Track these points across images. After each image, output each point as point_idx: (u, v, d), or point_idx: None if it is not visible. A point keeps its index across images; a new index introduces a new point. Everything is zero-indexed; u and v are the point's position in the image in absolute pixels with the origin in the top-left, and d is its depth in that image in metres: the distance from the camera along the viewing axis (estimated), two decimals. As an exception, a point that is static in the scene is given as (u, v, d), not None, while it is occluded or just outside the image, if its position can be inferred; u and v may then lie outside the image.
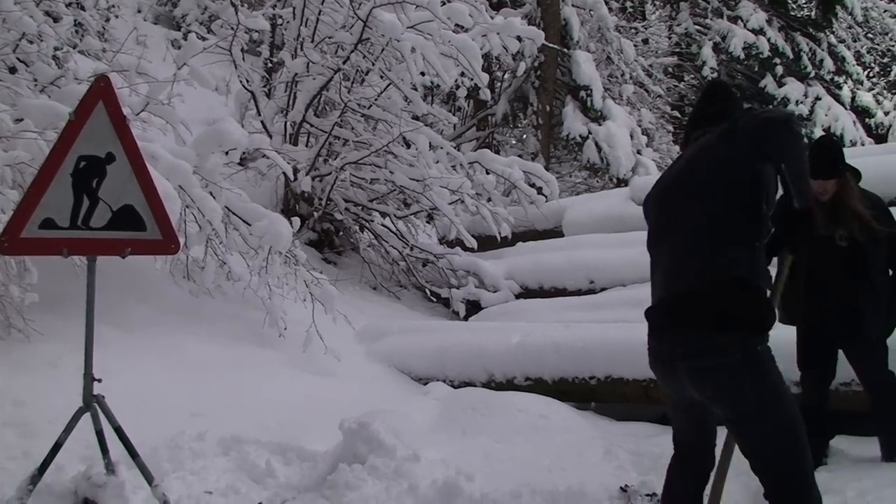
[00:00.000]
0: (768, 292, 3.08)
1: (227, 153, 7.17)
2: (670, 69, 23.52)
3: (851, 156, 7.79)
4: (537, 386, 7.11)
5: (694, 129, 3.36)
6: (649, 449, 5.33)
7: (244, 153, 8.64)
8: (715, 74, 22.70)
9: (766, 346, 2.95)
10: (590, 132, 17.07)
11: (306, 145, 10.28)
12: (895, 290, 4.81)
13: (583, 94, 17.28)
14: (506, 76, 19.05)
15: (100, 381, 4.14)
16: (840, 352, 5.00)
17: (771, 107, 3.64)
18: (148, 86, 6.29)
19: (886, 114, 26.73)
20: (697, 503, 3.36)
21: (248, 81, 9.96)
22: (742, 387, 2.89)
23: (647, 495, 4.54)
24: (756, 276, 2.93)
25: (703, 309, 2.94)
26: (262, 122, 10.08)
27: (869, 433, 5.03)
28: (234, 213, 7.00)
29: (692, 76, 23.77)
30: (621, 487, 4.77)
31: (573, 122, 17.26)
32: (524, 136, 19.97)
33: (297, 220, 7.80)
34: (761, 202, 3.00)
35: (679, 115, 24.85)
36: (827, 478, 4.38)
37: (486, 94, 10.77)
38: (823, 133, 21.08)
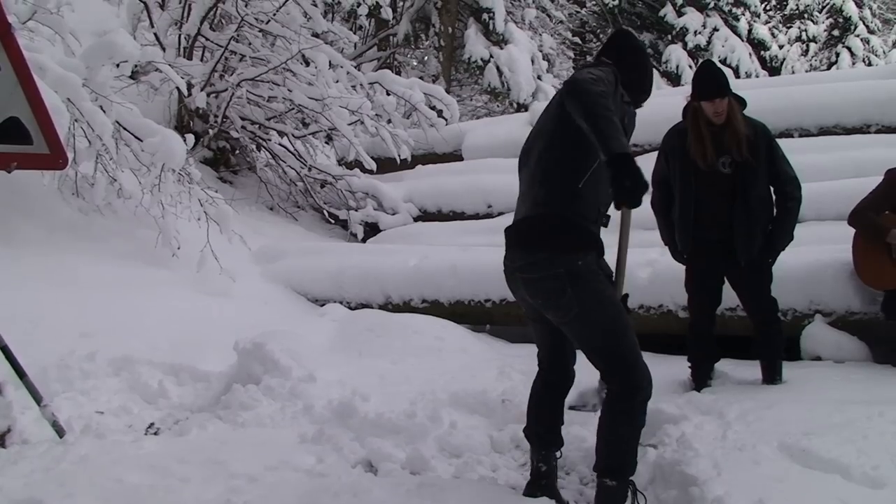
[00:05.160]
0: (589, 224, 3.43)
1: (118, 66, 6.93)
2: (573, -5, 23.54)
3: (746, 87, 7.99)
4: (434, 308, 7.19)
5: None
6: (541, 370, 5.44)
7: (136, 66, 8.37)
8: (616, 2, 22.84)
9: (587, 261, 3.34)
10: (491, 56, 17.04)
11: (201, 60, 9.98)
12: (777, 219, 4.97)
13: (485, 16, 17.18)
14: (408, -5, 18.79)
15: (-16, 299, 4.03)
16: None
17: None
18: (35, -7, 6.02)
19: (781, 47, 27.28)
20: (558, 411, 3.77)
21: (140, -9, 9.60)
22: (565, 294, 3.29)
23: None
24: (574, 212, 3.34)
25: (534, 232, 3.42)
26: (154, 34, 9.74)
27: (752, 357, 5.23)
28: (125, 129, 6.79)
29: (594, 3, 23.84)
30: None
31: (475, 45, 17.19)
32: (426, 57, 19.81)
33: (191, 138, 7.63)
34: (586, 154, 3.30)
35: (580, 42, 24.98)
36: (710, 399, 4.56)
37: (387, 14, 10.67)
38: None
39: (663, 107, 6.01)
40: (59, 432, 4.15)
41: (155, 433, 4.54)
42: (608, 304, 3.36)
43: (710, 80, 4.83)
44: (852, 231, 5.59)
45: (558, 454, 3.81)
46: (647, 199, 5.09)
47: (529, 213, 3.46)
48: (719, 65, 5.17)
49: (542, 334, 3.70)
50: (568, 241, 3.33)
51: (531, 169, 3.51)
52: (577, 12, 24.07)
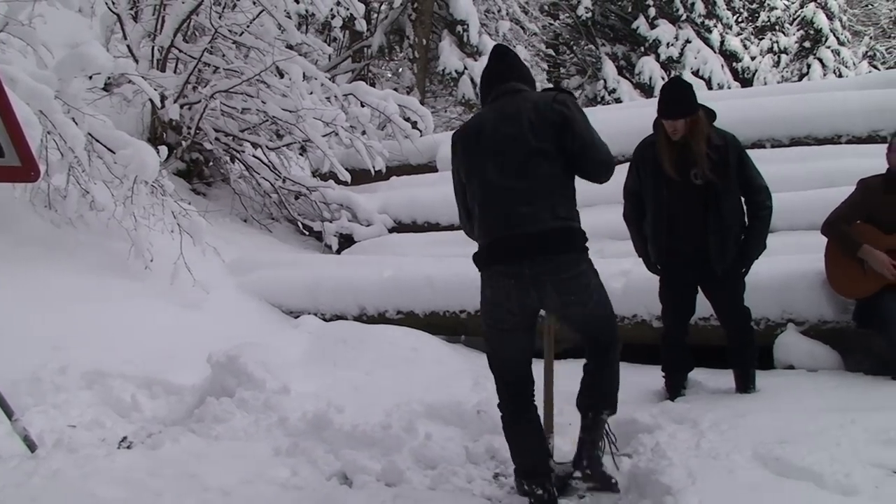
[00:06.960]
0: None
1: (90, 78, 6.88)
2: (546, 7, 23.62)
3: (718, 98, 8.05)
4: (409, 319, 7.18)
5: (497, 84, 4.32)
6: (516, 381, 5.44)
7: (109, 78, 8.32)
8: (589, 14, 22.98)
9: (590, 261, 3.89)
10: (465, 67, 17.09)
11: (175, 72, 9.93)
12: (750, 228, 5.01)
13: (459, 28, 17.24)
14: (382, 7, 18.79)
15: (-47, 312, 3.99)
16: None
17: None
18: (7, 5, 5.97)
19: (753, 58, 27.48)
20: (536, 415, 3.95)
21: (113, 3, 9.52)
22: (590, 285, 3.82)
23: None
24: (579, 223, 3.87)
25: (563, 240, 3.77)
26: (128, 46, 9.67)
27: (726, 366, 5.25)
28: (97, 141, 6.75)
29: (567, 15, 23.96)
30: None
31: (449, 56, 17.24)
32: (400, 69, 19.83)
33: (164, 149, 7.60)
34: (575, 182, 3.93)
35: (554, 54, 25.11)
36: (684, 409, 4.59)
37: (361, 25, 10.63)
38: (692, 75, 21.68)
39: (637, 118, 6.05)
40: (31, 447, 4.11)
41: (128, 447, 4.51)
42: (606, 291, 3.96)
43: (670, 101, 4.88)
44: (824, 240, 5.63)
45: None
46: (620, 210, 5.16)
47: (554, 226, 3.73)
48: (689, 79, 5.22)
49: (521, 344, 3.90)
50: (583, 244, 3.84)
51: (532, 182, 3.76)
52: (551, 24, 24.17)
